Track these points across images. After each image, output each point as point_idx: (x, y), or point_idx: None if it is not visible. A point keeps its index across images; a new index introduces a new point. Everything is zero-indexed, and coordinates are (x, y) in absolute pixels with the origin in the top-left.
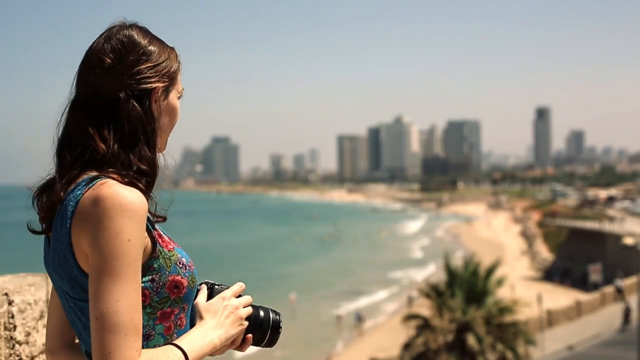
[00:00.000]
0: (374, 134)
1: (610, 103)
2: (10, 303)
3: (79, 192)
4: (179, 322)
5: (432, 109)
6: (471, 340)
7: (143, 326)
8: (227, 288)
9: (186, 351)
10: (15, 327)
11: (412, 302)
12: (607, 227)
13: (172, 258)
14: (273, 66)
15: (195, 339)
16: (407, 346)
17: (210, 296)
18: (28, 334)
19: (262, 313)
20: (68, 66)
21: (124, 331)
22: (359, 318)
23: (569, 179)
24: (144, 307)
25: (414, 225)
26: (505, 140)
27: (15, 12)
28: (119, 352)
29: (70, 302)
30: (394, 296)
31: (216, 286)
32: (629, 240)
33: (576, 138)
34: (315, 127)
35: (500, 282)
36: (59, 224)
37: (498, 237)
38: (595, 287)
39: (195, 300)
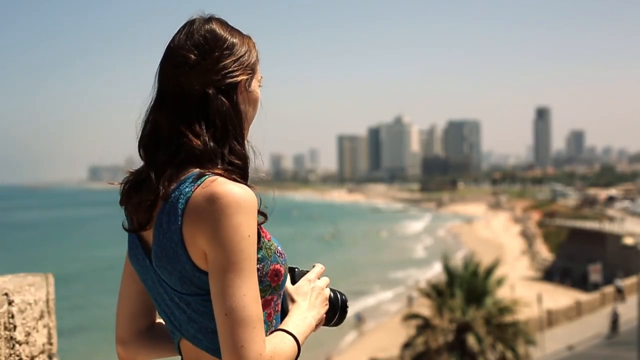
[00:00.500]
0: (374, 134)
1: (610, 103)
2: (10, 303)
3: (186, 189)
4: (276, 307)
5: (432, 109)
6: (471, 340)
7: None
8: (307, 271)
9: (295, 335)
10: (15, 327)
11: (412, 302)
12: (607, 227)
13: (271, 247)
14: (273, 66)
15: (298, 323)
16: (407, 346)
17: (293, 279)
18: (28, 334)
19: (332, 294)
20: (67, 67)
21: (252, 324)
22: (359, 318)
23: (569, 179)
24: None
25: (416, 226)
26: (505, 140)
27: (16, 12)
28: (251, 345)
29: (175, 295)
30: (396, 296)
31: (296, 269)
32: (629, 240)
33: (576, 138)
34: (315, 127)
35: (500, 282)
36: (166, 221)
37: (498, 237)
38: (595, 287)
39: (286, 285)
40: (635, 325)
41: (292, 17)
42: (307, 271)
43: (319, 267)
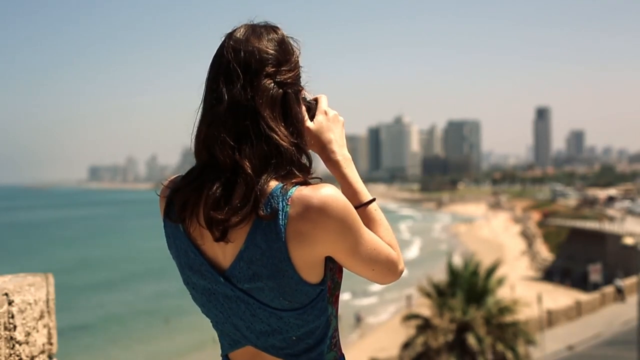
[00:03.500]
0: (374, 134)
1: (610, 103)
2: (10, 303)
3: (281, 204)
4: (339, 301)
5: (432, 109)
6: (471, 340)
7: (327, 315)
8: (314, 102)
9: (371, 199)
10: (15, 327)
11: (411, 302)
12: (607, 227)
13: None
14: None
15: (360, 180)
16: (407, 346)
17: (309, 112)
18: (28, 334)
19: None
20: (68, 66)
21: (385, 248)
22: (358, 318)
23: (569, 179)
24: (328, 301)
25: (431, 227)
26: (505, 140)
27: (16, 11)
28: (393, 263)
29: (264, 310)
30: (396, 296)
31: (311, 102)
32: (629, 240)
33: (576, 138)
34: None
35: (500, 282)
36: (263, 239)
37: (498, 237)
38: (595, 287)
39: (306, 124)
40: (635, 325)
41: (291, 17)
42: (315, 102)
43: (324, 97)
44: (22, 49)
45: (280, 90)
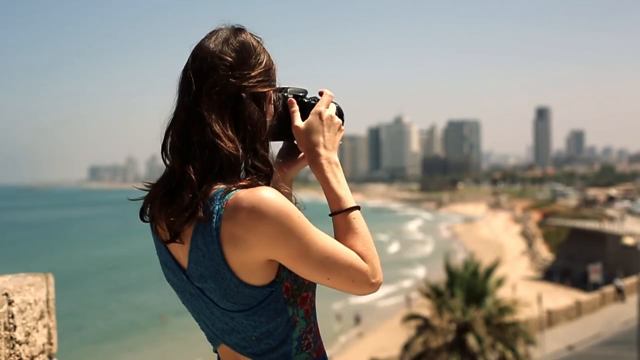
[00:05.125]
0: (374, 134)
1: (610, 103)
2: (10, 303)
3: (217, 207)
4: (312, 303)
5: (432, 109)
6: (471, 340)
7: (290, 316)
8: (313, 101)
9: (355, 204)
10: (15, 327)
11: (411, 303)
12: (607, 227)
13: None
14: None
15: (345, 186)
16: (407, 346)
17: (302, 111)
18: (28, 334)
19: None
20: (67, 67)
21: (346, 258)
22: (357, 318)
23: (569, 179)
24: (288, 302)
25: (414, 225)
26: (505, 140)
27: (16, 11)
28: (359, 274)
29: (217, 310)
30: (397, 295)
31: (304, 99)
32: (629, 240)
33: (576, 138)
34: None
35: (500, 282)
36: (202, 242)
37: (498, 237)
38: (595, 287)
39: (295, 123)
40: (635, 325)
41: (291, 17)
42: (314, 101)
43: (326, 96)
44: (22, 49)
45: (233, 93)
